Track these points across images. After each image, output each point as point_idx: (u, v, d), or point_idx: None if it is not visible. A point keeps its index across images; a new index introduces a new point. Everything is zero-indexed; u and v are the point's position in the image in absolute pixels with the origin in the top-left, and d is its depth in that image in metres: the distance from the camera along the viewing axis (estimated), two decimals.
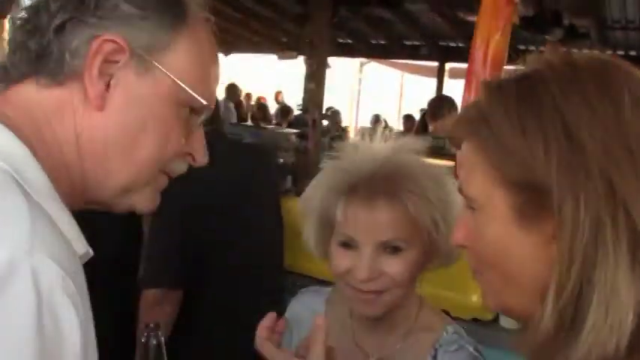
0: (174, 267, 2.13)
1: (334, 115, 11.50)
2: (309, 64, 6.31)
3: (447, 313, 2.24)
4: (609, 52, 9.63)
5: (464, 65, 11.99)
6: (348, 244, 1.25)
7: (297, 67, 10.46)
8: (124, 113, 0.82)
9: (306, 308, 1.44)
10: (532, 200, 0.72)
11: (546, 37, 7.45)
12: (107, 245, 2.20)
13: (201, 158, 0.93)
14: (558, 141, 0.69)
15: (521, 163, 0.72)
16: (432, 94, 10.96)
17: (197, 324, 2.17)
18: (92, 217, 2.13)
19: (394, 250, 1.23)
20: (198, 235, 2.16)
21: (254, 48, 12.63)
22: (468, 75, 2.80)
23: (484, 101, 0.78)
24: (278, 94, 13.63)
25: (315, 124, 6.01)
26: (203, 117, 0.90)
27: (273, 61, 12.54)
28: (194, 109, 0.87)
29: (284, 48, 11.25)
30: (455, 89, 14.04)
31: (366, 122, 14.79)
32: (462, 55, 10.86)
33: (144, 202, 0.91)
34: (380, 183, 1.23)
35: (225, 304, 2.18)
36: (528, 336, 0.73)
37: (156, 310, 2.13)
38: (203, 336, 1.86)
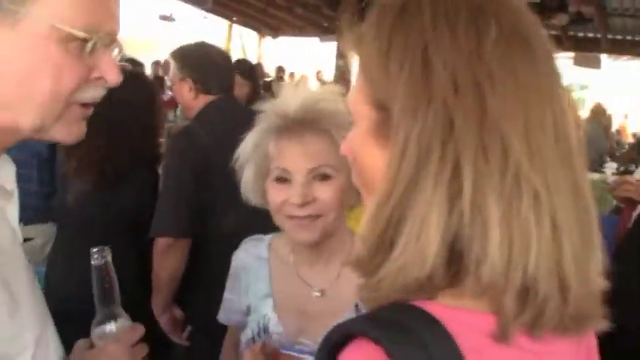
0: (183, 218, 2.06)
1: None
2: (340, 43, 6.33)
3: None
4: (609, 36, 9.43)
5: None
6: (282, 178, 1.22)
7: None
8: (8, 64, 0.77)
9: (251, 255, 1.41)
10: (384, 120, 0.63)
11: (553, 21, 7.33)
12: (129, 199, 2.15)
13: (113, 79, 0.85)
14: (413, 65, 0.59)
15: (379, 82, 0.63)
16: None
17: (204, 276, 2.11)
18: (122, 173, 2.10)
19: (324, 177, 1.20)
20: (205, 192, 2.08)
21: (299, 32, 12.65)
22: None
23: (369, 19, 0.68)
24: (319, 72, 13.57)
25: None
26: (108, 41, 0.83)
27: (316, 43, 12.49)
28: (88, 39, 0.79)
29: (325, 31, 11.21)
30: None
31: None
32: None
33: (61, 135, 0.85)
34: (307, 118, 1.22)
35: (229, 259, 2.15)
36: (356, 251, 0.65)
37: (167, 256, 2.08)
38: (208, 288, 1.76)
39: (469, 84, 0.58)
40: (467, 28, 0.60)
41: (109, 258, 1.00)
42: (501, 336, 0.58)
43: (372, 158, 0.66)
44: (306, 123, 1.22)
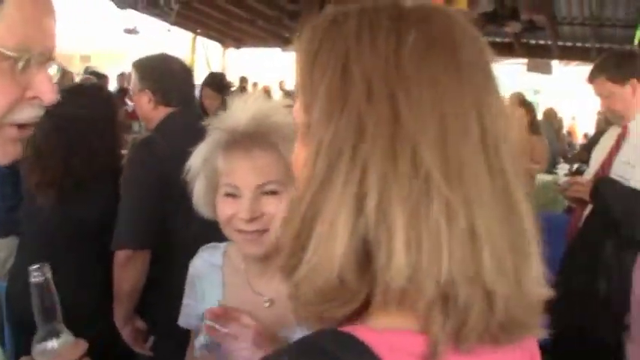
0: (142, 230, 2.06)
1: None
2: None
3: None
4: (560, 43, 9.72)
5: None
6: (231, 194, 1.22)
7: None
8: None
9: (206, 262, 1.42)
10: (309, 124, 0.62)
11: (506, 29, 7.54)
12: (94, 209, 2.15)
13: (48, 98, 0.82)
14: (334, 72, 0.59)
15: (305, 87, 0.63)
16: None
17: (166, 285, 2.07)
18: (83, 186, 2.08)
19: (272, 192, 1.20)
20: (166, 202, 2.08)
21: (262, 43, 12.64)
22: None
23: (307, 28, 0.67)
24: (281, 82, 13.57)
25: None
26: (42, 59, 0.80)
27: (278, 53, 12.52)
28: (19, 58, 0.77)
29: (286, 42, 11.25)
30: None
31: None
32: None
33: None
34: (256, 132, 1.21)
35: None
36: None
37: (127, 268, 2.07)
38: (169, 297, 1.71)
39: (383, 93, 0.57)
40: (387, 37, 0.59)
41: (49, 275, 0.99)
42: (431, 356, 0.56)
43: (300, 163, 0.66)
44: (255, 137, 1.22)
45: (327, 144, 0.58)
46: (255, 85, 13.70)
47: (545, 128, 6.91)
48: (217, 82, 4.57)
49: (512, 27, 7.26)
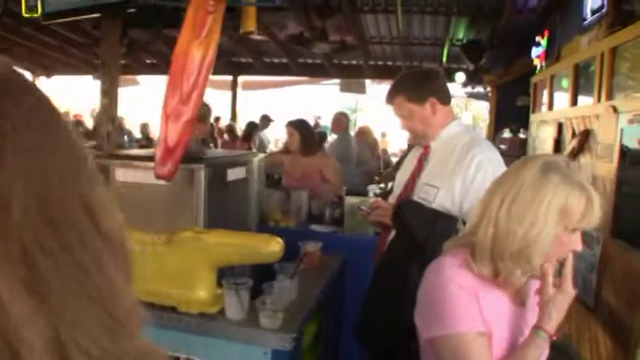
0: None
1: (144, 127, 11.34)
2: (102, 81, 5.91)
3: (175, 309, 2.10)
4: (371, 62, 10.17)
5: (255, 78, 12.15)
6: None
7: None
8: None
9: None
10: None
11: (315, 50, 7.66)
12: None
13: None
14: None
15: None
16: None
17: None
18: None
19: None
20: None
21: (75, 70, 12.18)
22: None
23: None
24: (93, 110, 13.00)
25: (109, 137, 5.67)
26: None
27: (91, 81, 11.97)
28: None
29: (97, 69, 10.70)
30: (248, 99, 14.24)
31: None
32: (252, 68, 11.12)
33: None
34: None
35: None
36: None
37: None
38: None
39: None
40: None
41: None
42: None
43: None
44: None
45: None
46: (66, 113, 12.99)
47: (360, 147, 7.07)
48: None
49: (321, 48, 7.36)
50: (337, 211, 4.14)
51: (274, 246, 2.10)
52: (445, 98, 2.53)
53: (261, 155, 3.70)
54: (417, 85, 2.51)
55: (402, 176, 2.67)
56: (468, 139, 2.45)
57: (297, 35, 6.89)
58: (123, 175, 2.50)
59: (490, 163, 2.32)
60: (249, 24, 2.85)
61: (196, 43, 2.14)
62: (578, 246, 1.52)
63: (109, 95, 5.73)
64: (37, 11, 5.07)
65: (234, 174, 2.64)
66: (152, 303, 2.12)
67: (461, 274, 1.55)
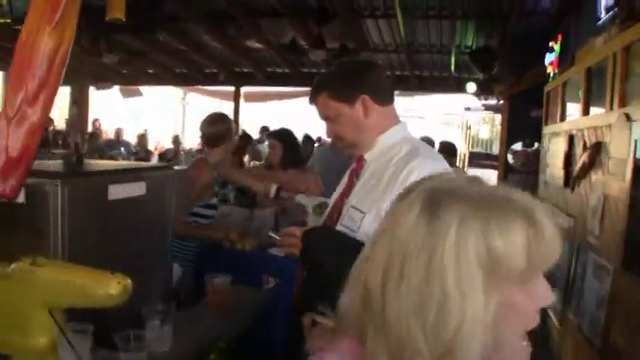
0: None
1: (141, 138, 10.97)
2: (72, 93, 5.59)
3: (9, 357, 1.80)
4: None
5: (256, 88, 11.86)
6: None
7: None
8: None
9: None
10: None
11: (311, 57, 7.27)
12: None
13: None
14: None
15: None
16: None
17: None
18: None
19: None
20: None
21: None
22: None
23: None
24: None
25: (77, 147, 5.35)
26: None
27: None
28: None
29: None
30: (249, 110, 13.91)
31: (191, 144, 14.20)
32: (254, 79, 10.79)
33: None
34: None
35: None
36: None
37: None
38: None
39: None
40: None
41: None
42: None
43: None
44: None
45: None
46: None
47: None
48: None
49: (317, 55, 6.93)
50: None
51: (113, 287, 1.63)
52: (382, 96, 1.95)
53: (181, 167, 3.20)
54: (344, 79, 1.93)
55: (335, 195, 2.11)
56: (409, 149, 1.88)
57: (289, 43, 6.47)
58: None
59: None
60: (115, 10, 2.36)
61: (48, 30, 1.67)
62: (548, 298, 0.85)
63: (79, 105, 5.39)
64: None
65: (123, 191, 2.13)
66: None
67: None
